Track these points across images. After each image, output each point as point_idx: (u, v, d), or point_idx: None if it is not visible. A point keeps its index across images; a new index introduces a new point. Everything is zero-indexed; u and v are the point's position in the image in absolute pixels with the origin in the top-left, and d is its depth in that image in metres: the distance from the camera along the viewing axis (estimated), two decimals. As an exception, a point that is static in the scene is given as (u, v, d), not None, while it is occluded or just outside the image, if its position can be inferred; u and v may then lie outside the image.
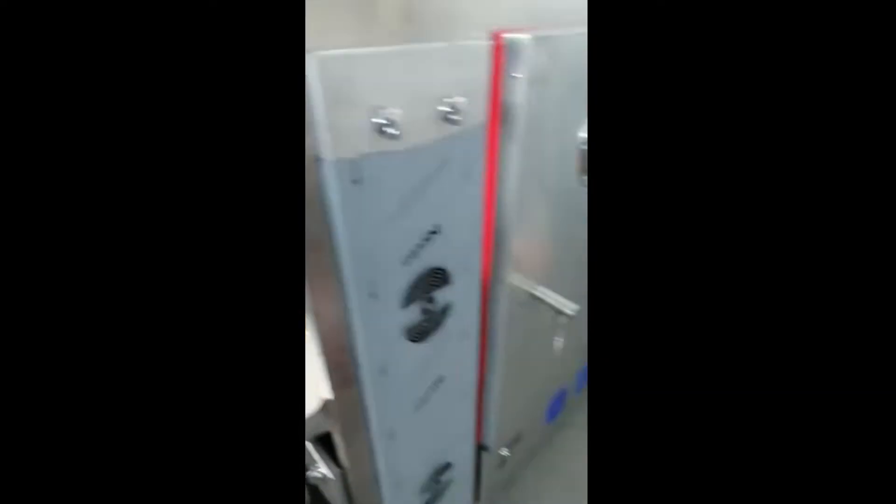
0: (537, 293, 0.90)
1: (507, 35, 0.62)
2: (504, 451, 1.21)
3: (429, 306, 0.73)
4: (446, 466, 1.02)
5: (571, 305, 0.86)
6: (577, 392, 1.55)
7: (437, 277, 0.72)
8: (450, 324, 0.80)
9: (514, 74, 0.63)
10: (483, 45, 0.60)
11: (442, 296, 0.75)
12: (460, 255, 0.74)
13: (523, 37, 0.60)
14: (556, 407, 1.46)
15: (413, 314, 0.70)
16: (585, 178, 0.89)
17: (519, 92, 0.63)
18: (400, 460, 0.84)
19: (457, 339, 0.84)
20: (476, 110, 0.63)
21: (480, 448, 1.17)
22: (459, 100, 0.56)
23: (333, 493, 0.79)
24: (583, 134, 0.82)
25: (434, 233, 0.67)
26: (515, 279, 0.87)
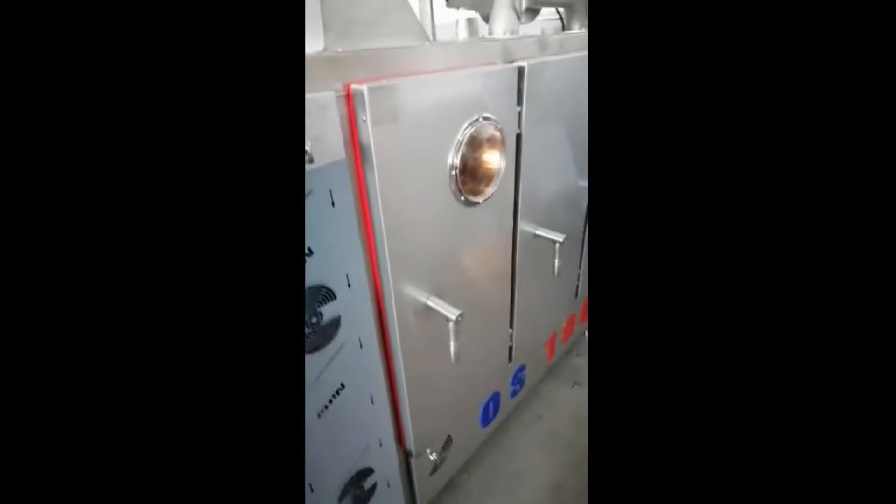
0: (429, 302, 1.00)
1: (353, 86, 0.74)
2: (432, 456, 1.28)
3: (315, 320, 0.83)
4: (367, 471, 1.09)
5: (455, 311, 0.97)
6: (510, 396, 1.64)
7: (319, 294, 0.82)
8: (343, 335, 0.90)
9: (362, 118, 0.75)
10: (330, 95, 0.72)
11: (329, 310, 0.85)
12: (340, 273, 0.84)
13: (362, 87, 0.72)
14: (491, 410, 1.55)
15: (298, 328, 0.80)
16: (464, 197, 1.01)
17: (368, 132, 0.75)
18: (309, 466, 0.92)
19: (353, 349, 0.93)
20: (333, 149, 0.75)
21: (407, 454, 1.24)
22: (307, 144, 0.68)
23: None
24: (452, 160, 0.95)
25: (308, 255, 0.77)
26: (408, 290, 0.98)
